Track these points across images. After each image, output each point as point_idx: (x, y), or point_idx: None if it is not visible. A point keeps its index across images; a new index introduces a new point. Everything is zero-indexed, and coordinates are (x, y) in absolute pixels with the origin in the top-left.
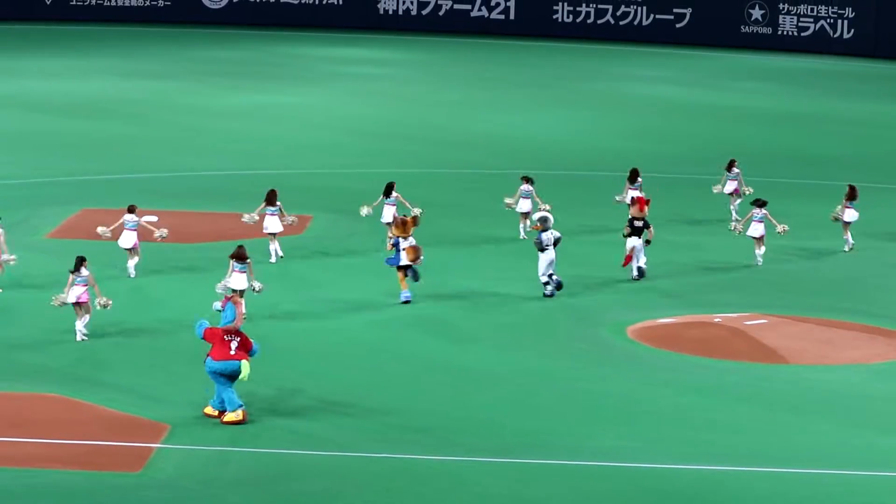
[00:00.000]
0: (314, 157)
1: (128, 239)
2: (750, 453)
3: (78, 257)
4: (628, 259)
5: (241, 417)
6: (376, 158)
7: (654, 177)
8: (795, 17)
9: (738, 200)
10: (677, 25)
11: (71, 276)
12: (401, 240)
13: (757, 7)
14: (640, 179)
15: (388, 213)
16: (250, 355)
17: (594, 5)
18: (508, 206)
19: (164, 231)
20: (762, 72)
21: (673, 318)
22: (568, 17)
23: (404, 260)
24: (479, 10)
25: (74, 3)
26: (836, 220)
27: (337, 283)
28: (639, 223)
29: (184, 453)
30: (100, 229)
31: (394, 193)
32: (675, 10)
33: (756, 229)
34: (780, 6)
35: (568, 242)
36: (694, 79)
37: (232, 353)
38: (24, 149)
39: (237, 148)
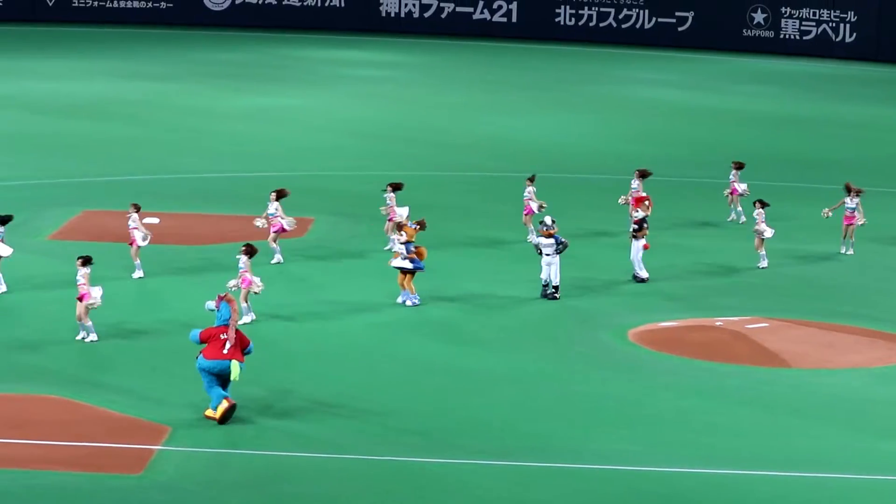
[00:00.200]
0: (316, 159)
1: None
2: (751, 457)
3: (85, 256)
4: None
5: (216, 416)
6: (378, 161)
7: (656, 180)
8: (798, 21)
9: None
10: (679, 29)
11: (85, 277)
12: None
13: (759, 11)
14: (642, 179)
15: (402, 212)
16: (246, 353)
17: (596, 8)
18: (541, 207)
19: (149, 235)
20: (764, 75)
21: (674, 321)
22: (570, 20)
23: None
24: (482, 12)
25: (76, 4)
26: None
27: (338, 284)
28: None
29: (184, 455)
30: (138, 232)
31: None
32: (677, 14)
33: (768, 230)
34: (783, 10)
35: (569, 245)
36: (696, 82)
37: (224, 352)
38: (25, 150)
39: (239, 150)
